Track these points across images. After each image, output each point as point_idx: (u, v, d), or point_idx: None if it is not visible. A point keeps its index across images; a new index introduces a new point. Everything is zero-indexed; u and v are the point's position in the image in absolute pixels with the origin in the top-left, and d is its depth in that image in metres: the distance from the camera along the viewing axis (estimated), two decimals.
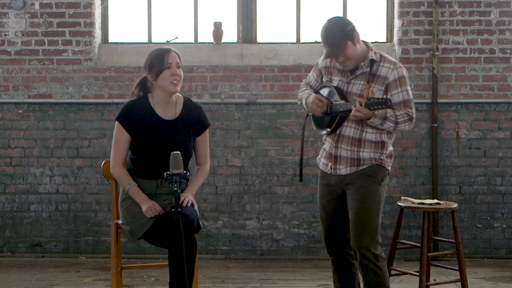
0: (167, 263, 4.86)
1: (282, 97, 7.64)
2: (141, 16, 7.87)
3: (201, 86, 7.66)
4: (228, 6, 7.86)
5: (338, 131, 4.93)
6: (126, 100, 5.23)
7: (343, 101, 4.86)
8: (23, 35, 7.65)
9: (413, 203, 5.95)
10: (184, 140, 5.06)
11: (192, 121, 5.12)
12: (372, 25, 7.82)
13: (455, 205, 5.89)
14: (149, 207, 4.91)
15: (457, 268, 5.86)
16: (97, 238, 7.71)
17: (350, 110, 4.80)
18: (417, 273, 5.76)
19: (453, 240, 5.94)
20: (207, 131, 5.22)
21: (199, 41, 7.87)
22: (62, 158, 7.70)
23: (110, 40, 7.90)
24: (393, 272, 5.96)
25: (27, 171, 7.71)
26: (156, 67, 4.99)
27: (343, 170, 4.94)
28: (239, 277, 6.92)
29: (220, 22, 7.76)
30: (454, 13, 7.56)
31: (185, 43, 7.83)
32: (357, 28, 4.88)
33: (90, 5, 7.63)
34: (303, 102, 5.09)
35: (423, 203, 5.92)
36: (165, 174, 4.58)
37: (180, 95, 5.16)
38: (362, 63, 4.89)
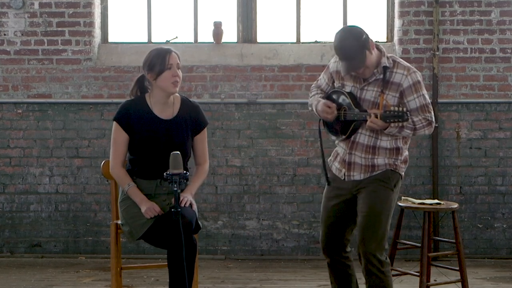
0: (167, 263, 4.85)
1: (282, 97, 7.62)
2: (140, 15, 7.86)
3: (201, 86, 7.65)
4: (228, 5, 7.84)
5: (352, 138, 4.87)
6: (122, 103, 5.21)
7: (357, 110, 4.78)
8: (22, 34, 7.64)
9: (414, 203, 5.93)
10: (183, 140, 5.05)
11: (190, 120, 5.11)
12: (372, 24, 7.80)
13: (455, 205, 5.87)
14: (148, 208, 4.90)
15: (457, 268, 5.85)
16: (96, 238, 7.69)
17: (365, 120, 4.74)
18: (418, 274, 5.75)
19: (454, 240, 5.93)
20: (205, 130, 5.21)
21: (199, 40, 7.86)
22: (62, 158, 7.69)
23: (110, 39, 7.88)
24: (393, 272, 5.92)
25: (26, 171, 7.70)
26: (157, 67, 4.97)
27: (357, 176, 4.89)
28: (239, 277, 6.91)
29: (220, 22, 7.75)
30: (455, 13, 7.55)
31: (185, 43, 7.82)
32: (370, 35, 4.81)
33: (89, 4, 7.62)
34: (314, 109, 5.02)
35: (423, 203, 5.90)
36: (164, 174, 4.57)
37: (177, 94, 5.14)
38: (375, 70, 4.81)
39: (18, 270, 7.15)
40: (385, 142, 4.85)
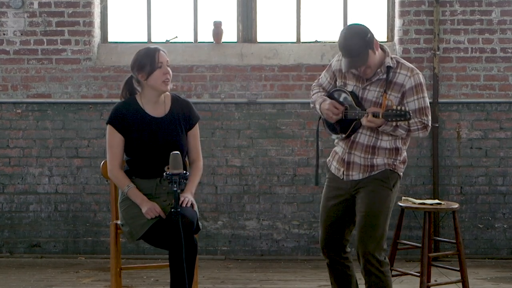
0: (167, 263, 4.86)
1: (282, 96, 7.61)
2: (140, 15, 7.85)
3: (201, 86, 7.64)
4: (228, 5, 7.83)
5: (352, 137, 4.87)
6: (114, 106, 5.20)
7: (359, 109, 4.78)
8: (22, 34, 7.63)
9: (414, 203, 5.93)
10: (177, 136, 5.06)
11: (182, 116, 5.12)
12: (372, 24, 7.75)
13: (456, 205, 5.86)
14: (149, 208, 4.90)
15: (458, 268, 5.84)
16: (96, 239, 7.68)
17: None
18: (418, 274, 5.74)
19: (454, 241, 5.92)
20: (197, 125, 5.22)
21: (198, 40, 7.84)
22: (61, 158, 7.67)
23: (110, 39, 7.87)
24: (393, 272, 5.93)
25: (26, 171, 7.68)
26: (148, 67, 4.98)
27: (356, 176, 4.89)
28: (239, 277, 6.90)
29: (220, 22, 7.73)
30: (455, 12, 7.54)
31: (185, 43, 7.81)
32: (374, 34, 4.81)
33: (89, 4, 7.61)
34: (317, 106, 4.99)
35: (424, 203, 5.90)
36: (164, 174, 4.57)
37: (167, 92, 5.14)
38: (379, 70, 4.80)
39: (18, 270, 7.14)
40: (385, 143, 4.84)
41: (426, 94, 4.84)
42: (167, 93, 5.13)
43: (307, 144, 7.55)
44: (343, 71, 4.85)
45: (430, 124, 4.83)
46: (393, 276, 5.90)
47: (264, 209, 7.68)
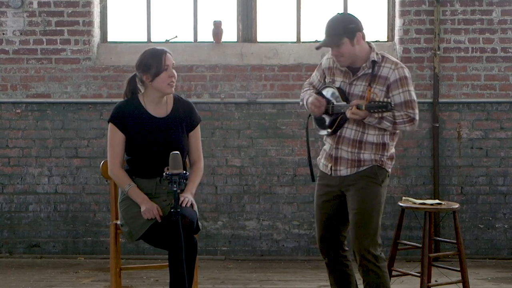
0: (167, 263, 4.86)
1: (282, 96, 7.60)
2: (140, 15, 7.84)
3: (201, 86, 7.63)
4: (228, 4, 7.82)
5: (338, 133, 4.90)
6: (116, 104, 5.19)
7: (344, 103, 4.83)
8: (21, 34, 7.62)
9: (414, 203, 5.92)
10: (178, 136, 5.06)
11: (184, 117, 5.12)
12: (373, 24, 7.79)
13: (456, 206, 5.86)
14: (147, 209, 4.88)
15: (458, 269, 5.83)
16: (96, 239, 7.67)
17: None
18: (418, 274, 5.74)
19: (455, 241, 5.91)
20: (199, 127, 5.22)
21: (198, 40, 7.83)
22: (61, 158, 7.66)
23: (109, 39, 7.86)
24: (394, 273, 5.94)
25: (25, 171, 7.67)
26: (154, 68, 4.98)
27: (343, 171, 4.91)
28: (239, 278, 6.89)
29: (220, 21, 7.72)
30: (456, 12, 7.53)
31: (185, 42, 7.80)
32: (363, 30, 4.85)
33: (88, 4, 7.60)
34: (305, 103, 5.07)
35: (424, 204, 5.89)
36: (164, 174, 4.56)
37: None
38: (364, 64, 4.85)
39: (17, 270, 7.13)
40: (371, 137, 4.86)
41: (411, 88, 4.86)
42: None
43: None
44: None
45: (417, 118, 4.84)
46: (393, 276, 5.92)
47: (264, 209, 7.67)
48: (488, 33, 7.54)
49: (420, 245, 5.81)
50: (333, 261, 5.04)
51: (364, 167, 4.87)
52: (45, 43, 7.62)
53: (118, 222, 5.17)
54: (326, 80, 5.04)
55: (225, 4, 7.84)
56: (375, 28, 7.78)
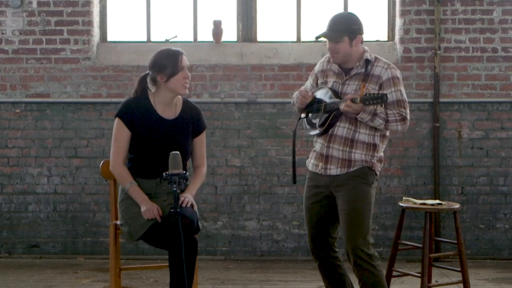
0: (167, 264, 4.85)
1: (282, 96, 7.59)
2: (139, 14, 7.83)
3: (201, 86, 7.61)
4: (227, 4, 7.81)
5: (330, 131, 4.93)
6: (124, 99, 5.18)
7: (338, 99, 4.87)
8: (20, 33, 7.61)
9: (415, 203, 5.92)
10: (184, 140, 5.05)
11: (191, 122, 5.12)
12: (373, 23, 7.78)
13: (457, 206, 5.85)
14: (147, 209, 4.87)
15: (459, 269, 5.83)
16: (95, 239, 7.66)
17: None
18: (419, 274, 5.73)
19: (455, 241, 5.91)
20: (204, 133, 5.23)
21: (198, 39, 7.82)
22: (60, 158, 7.65)
23: (109, 39, 7.85)
24: (394, 273, 5.93)
25: (24, 171, 7.66)
26: (170, 69, 4.96)
27: (334, 170, 4.94)
28: (239, 278, 6.88)
29: (220, 21, 7.71)
30: (456, 12, 7.52)
31: (184, 42, 7.77)
32: (364, 34, 4.95)
33: (88, 3, 7.59)
34: (294, 100, 5.15)
35: (425, 204, 5.89)
36: (164, 174, 4.54)
37: (179, 95, 5.13)
38: (357, 63, 4.92)
39: (16, 271, 7.12)
40: (363, 136, 4.89)
41: (403, 88, 4.93)
42: (179, 96, 5.12)
43: (307, 144, 7.52)
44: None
45: (408, 118, 4.90)
46: (393, 276, 5.92)
47: (264, 209, 7.65)
48: (488, 33, 7.53)
49: (420, 245, 5.80)
50: (324, 262, 5.09)
51: (355, 168, 4.90)
52: (44, 43, 7.61)
53: (118, 222, 5.15)
54: (318, 81, 5.10)
55: (225, 3, 7.83)
56: (375, 28, 7.78)
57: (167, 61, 4.98)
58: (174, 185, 4.49)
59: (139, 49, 7.63)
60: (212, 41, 7.76)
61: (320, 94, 4.99)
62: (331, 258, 5.06)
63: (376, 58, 4.96)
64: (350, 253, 4.87)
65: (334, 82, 4.97)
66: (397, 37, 7.63)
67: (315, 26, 7.77)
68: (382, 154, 5.00)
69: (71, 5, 7.59)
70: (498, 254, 7.63)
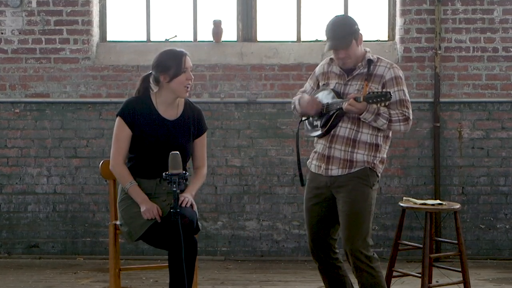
0: (166, 264, 4.85)
1: (282, 96, 7.58)
2: (139, 14, 7.82)
3: (201, 85, 7.60)
4: (227, 4, 7.80)
5: (332, 132, 4.91)
6: (124, 99, 5.18)
7: (340, 99, 4.85)
8: (20, 33, 7.59)
9: (415, 203, 5.91)
10: (184, 141, 5.04)
11: (192, 123, 5.11)
12: (373, 23, 7.77)
13: (457, 206, 5.84)
14: (147, 209, 4.86)
15: (459, 269, 5.83)
16: (95, 239, 7.65)
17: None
18: (419, 275, 5.72)
19: (456, 241, 5.90)
20: (205, 134, 5.23)
21: (198, 39, 7.81)
22: (60, 158, 7.64)
23: (108, 38, 7.83)
24: (394, 273, 5.92)
25: (24, 171, 7.65)
26: (173, 69, 4.95)
27: (335, 171, 4.92)
28: (239, 278, 6.87)
29: (220, 20, 7.70)
30: (457, 11, 7.51)
31: (184, 42, 7.76)
32: (361, 30, 4.95)
33: (88, 3, 7.58)
34: (296, 103, 5.09)
35: (425, 204, 5.88)
36: (164, 174, 4.53)
37: None
38: (360, 64, 4.91)
39: (16, 271, 7.11)
40: (365, 136, 4.87)
41: (405, 88, 4.93)
42: None
43: (307, 144, 7.50)
44: (325, 51, 4.98)
45: (411, 118, 4.90)
46: (394, 277, 5.91)
47: (264, 210, 7.64)
48: (489, 32, 7.51)
49: (421, 246, 5.79)
50: (325, 264, 5.07)
51: (356, 169, 4.88)
52: (44, 43, 7.60)
53: (117, 222, 5.14)
54: (320, 83, 5.07)
55: (225, 3, 7.81)
56: (375, 28, 7.76)
57: (171, 61, 4.97)
58: (174, 185, 4.48)
59: (138, 49, 7.62)
60: (212, 41, 7.75)
61: (322, 95, 4.97)
62: (331, 260, 5.05)
63: (378, 58, 4.95)
64: (349, 254, 4.86)
65: (336, 83, 4.96)
66: (397, 37, 7.61)
67: (315, 26, 7.77)
68: (384, 155, 4.98)
69: (71, 5, 7.57)
70: (498, 254, 7.62)
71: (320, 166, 4.97)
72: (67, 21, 7.59)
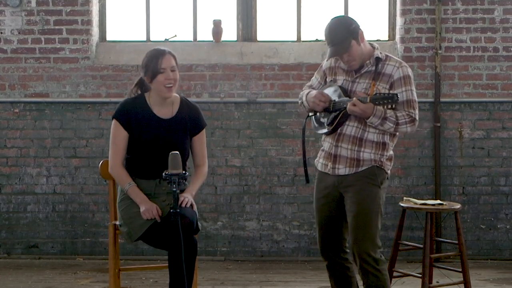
0: (166, 264, 4.86)
1: (282, 96, 7.57)
2: (139, 13, 7.81)
3: (200, 85, 7.59)
4: (227, 3, 7.79)
5: (339, 130, 4.86)
6: (121, 101, 5.17)
7: (346, 98, 4.80)
8: (19, 33, 7.58)
9: (416, 203, 5.91)
10: (181, 139, 5.03)
11: (189, 121, 5.10)
12: (374, 23, 7.76)
13: (458, 206, 5.84)
14: (147, 209, 4.86)
15: (460, 269, 5.83)
16: (94, 239, 7.63)
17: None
18: (420, 275, 5.72)
19: (456, 241, 5.90)
20: (204, 131, 5.21)
21: (198, 39, 7.80)
22: (59, 158, 7.63)
23: (108, 38, 7.82)
24: (395, 273, 5.91)
25: (23, 171, 7.63)
26: (151, 70, 4.95)
27: (342, 170, 4.87)
28: (239, 279, 6.86)
29: (220, 20, 7.69)
30: (457, 11, 7.49)
31: (184, 41, 7.76)
32: (361, 27, 4.86)
33: (87, 2, 7.57)
34: (304, 99, 5.03)
35: (425, 204, 5.88)
36: (163, 174, 4.52)
37: (176, 94, 5.12)
38: (368, 61, 4.85)
39: (15, 271, 7.10)
40: (372, 135, 4.82)
41: (414, 88, 4.86)
42: (176, 95, 5.12)
43: (307, 144, 7.49)
44: (326, 59, 4.93)
45: (417, 118, 4.83)
46: (394, 277, 5.90)
47: (264, 210, 7.63)
48: (490, 32, 7.50)
49: (421, 246, 5.79)
50: (333, 263, 5.01)
51: (364, 168, 4.83)
52: (43, 42, 7.58)
53: (117, 222, 5.14)
54: (327, 79, 5.01)
55: (225, 3, 7.80)
56: (376, 27, 7.75)
57: (149, 62, 4.99)
58: (174, 185, 4.47)
59: (138, 48, 7.59)
60: (212, 41, 7.74)
61: (329, 92, 4.91)
62: (341, 260, 4.99)
63: (387, 56, 4.88)
64: (356, 256, 4.81)
65: (344, 79, 4.90)
66: (397, 37, 7.60)
67: (316, 26, 7.76)
68: (391, 152, 4.92)
69: (70, 4, 7.56)
70: (499, 255, 7.60)
71: (327, 165, 4.92)
72: (66, 20, 7.58)
